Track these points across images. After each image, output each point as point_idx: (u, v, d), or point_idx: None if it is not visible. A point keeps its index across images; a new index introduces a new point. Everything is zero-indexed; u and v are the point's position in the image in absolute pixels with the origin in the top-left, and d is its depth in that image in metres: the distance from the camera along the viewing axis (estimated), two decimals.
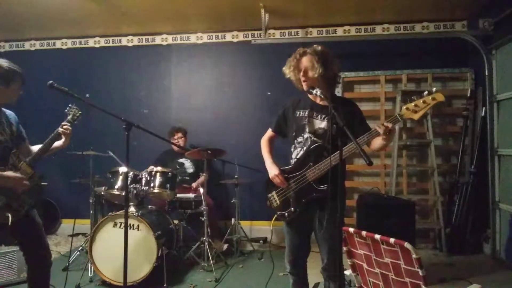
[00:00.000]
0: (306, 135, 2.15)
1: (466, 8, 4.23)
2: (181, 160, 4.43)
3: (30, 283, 2.38)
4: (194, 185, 4.24)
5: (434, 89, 1.91)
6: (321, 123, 2.14)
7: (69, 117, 2.35)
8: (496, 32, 3.97)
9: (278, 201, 2.22)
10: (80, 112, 2.37)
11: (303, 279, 2.33)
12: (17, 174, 2.12)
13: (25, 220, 2.23)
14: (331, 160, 1.92)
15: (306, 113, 2.18)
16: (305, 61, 2.11)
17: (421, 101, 1.88)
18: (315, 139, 2.12)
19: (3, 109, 2.30)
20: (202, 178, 4.24)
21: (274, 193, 2.24)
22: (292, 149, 2.23)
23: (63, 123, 2.34)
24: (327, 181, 2.01)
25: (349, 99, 2.11)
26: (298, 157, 2.17)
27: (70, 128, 2.34)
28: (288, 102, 2.31)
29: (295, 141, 2.20)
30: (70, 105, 2.36)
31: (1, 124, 2.20)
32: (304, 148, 2.15)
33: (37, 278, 2.37)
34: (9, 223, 2.09)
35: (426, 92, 1.89)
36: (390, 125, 1.88)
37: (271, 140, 2.39)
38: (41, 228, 2.37)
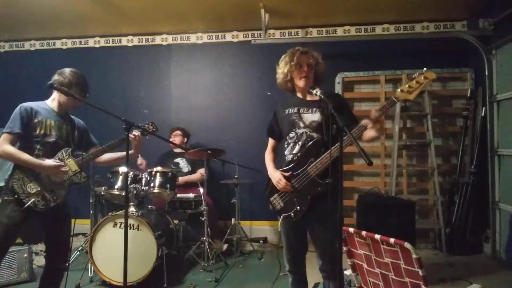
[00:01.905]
0: (301, 130, 2.17)
1: (466, 8, 4.23)
2: (177, 160, 4.41)
3: (43, 279, 2.47)
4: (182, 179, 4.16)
5: (424, 69, 2.00)
6: (313, 116, 2.17)
7: (142, 128, 2.46)
8: (496, 32, 3.98)
9: (281, 203, 2.21)
10: (154, 130, 2.53)
11: (302, 277, 2.33)
12: (54, 162, 2.28)
13: (56, 213, 2.35)
14: (331, 153, 1.97)
15: (296, 109, 2.22)
16: (310, 58, 2.18)
17: (414, 81, 1.99)
18: (311, 133, 2.14)
19: (72, 116, 2.53)
20: (197, 174, 4.23)
21: (276, 195, 2.23)
22: (285, 145, 2.25)
23: (134, 131, 2.45)
24: (329, 175, 2.04)
25: (334, 92, 2.17)
26: (293, 152, 2.18)
27: (139, 137, 2.47)
28: (277, 105, 2.38)
29: (287, 137, 2.23)
30: (147, 121, 2.54)
31: (62, 125, 2.41)
32: (299, 143, 2.17)
33: (50, 274, 2.46)
34: (26, 205, 2.20)
35: (417, 73, 1.99)
36: (377, 115, 1.94)
37: (273, 150, 2.42)
38: (68, 226, 2.49)
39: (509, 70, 3.80)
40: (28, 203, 2.21)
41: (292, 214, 2.16)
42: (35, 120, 2.29)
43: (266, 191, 2.29)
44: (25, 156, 2.22)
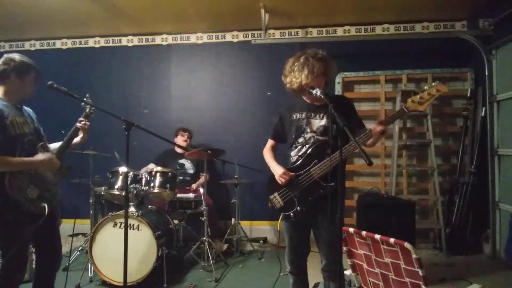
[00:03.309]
0: (309, 135, 2.16)
1: (466, 8, 4.23)
2: (182, 160, 4.42)
3: (36, 282, 2.41)
4: (194, 186, 4.23)
5: (437, 82, 2.03)
6: (320, 122, 2.16)
7: (85, 112, 2.36)
8: (496, 32, 3.98)
9: (281, 202, 2.20)
10: (93, 108, 2.38)
11: (303, 278, 2.33)
12: (45, 155, 2.17)
13: (49, 214, 2.24)
14: (331, 158, 1.96)
15: (304, 115, 2.20)
16: (325, 66, 2.13)
17: (426, 93, 2.00)
18: (318, 137, 2.14)
19: (23, 106, 2.35)
20: (202, 178, 4.24)
21: (276, 194, 2.21)
22: (293, 148, 2.24)
23: (80, 118, 2.36)
24: (333, 178, 2.02)
25: (340, 94, 2.12)
26: (299, 154, 2.18)
27: (87, 123, 2.38)
28: (282, 108, 2.35)
29: (296, 142, 2.21)
30: (86, 98, 2.37)
31: (26, 119, 2.25)
32: (307, 145, 2.16)
33: (43, 276, 2.41)
34: (46, 213, 2.13)
35: (427, 86, 2.00)
36: (383, 128, 1.98)
37: (272, 149, 2.41)
38: (58, 226, 2.44)
39: (509, 70, 3.80)
40: (46, 214, 2.11)
41: (291, 214, 2.15)
42: (7, 122, 2.09)
43: (267, 188, 2.27)
44: (18, 159, 2.07)
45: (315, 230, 2.19)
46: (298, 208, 2.13)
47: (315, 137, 2.15)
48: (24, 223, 2.12)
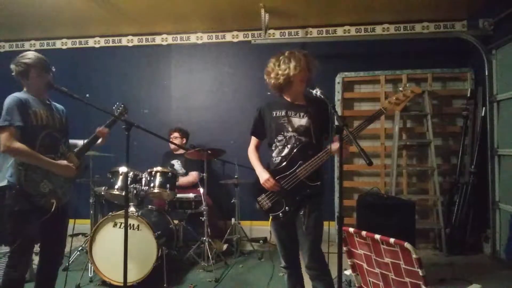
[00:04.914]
0: (289, 133, 2.20)
1: (466, 8, 4.23)
2: (173, 161, 4.40)
3: (38, 278, 2.42)
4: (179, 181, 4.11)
5: (407, 84, 2.19)
6: (300, 121, 2.20)
7: (109, 121, 2.53)
8: (496, 32, 3.98)
9: (269, 203, 2.24)
10: (125, 114, 2.59)
11: (297, 272, 2.36)
12: (69, 164, 2.24)
13: (60, 211, 2.26)
14: (315, 159, 2.08)
15: (283, 112, 2.24)
16: (308, 60, 2.21)
17: (401, 94, 2.17)
18: (299, 137, 2.18)
19: (53, 102, 2.42)
20: (190, 177, 4.23)
21: (263, 195, 2.25)
22: (273, 148, 2.27)
23: (100, 128, 2.50)
24: (317, 177, 2.13)
25: (324, 99, 2.04)
26: (282, 155, 2.21)
27: (106, 131, 2.53)
28: (262, 104, 2.40)
29: (275, 139, 2.24)
30: (117, 103, 2.54)
31: (51, 114, 2.31)
32: (288, 146, 2.20)
33: (46, 273, 2.42)
34: (52, 209, 2.15)
35: (403, 87, 2.19)
36: (336, 148, 1.98)
37: (257, 148, 2.44)
38: (67, 224, 2.47)
39: (509, 70, 3.80)
40: (52, 209, 2.13)
41: (280, 214, 2.20)
42: (30, 111, 2.15)
43: (254, 190, 2.31)
44: (44, 158, 2.11)
45: (297, 227, 2.21)
46: (287, 208, 2.18)
47: (296, 137, 2.18)
48: (31, 216, 2.14)
